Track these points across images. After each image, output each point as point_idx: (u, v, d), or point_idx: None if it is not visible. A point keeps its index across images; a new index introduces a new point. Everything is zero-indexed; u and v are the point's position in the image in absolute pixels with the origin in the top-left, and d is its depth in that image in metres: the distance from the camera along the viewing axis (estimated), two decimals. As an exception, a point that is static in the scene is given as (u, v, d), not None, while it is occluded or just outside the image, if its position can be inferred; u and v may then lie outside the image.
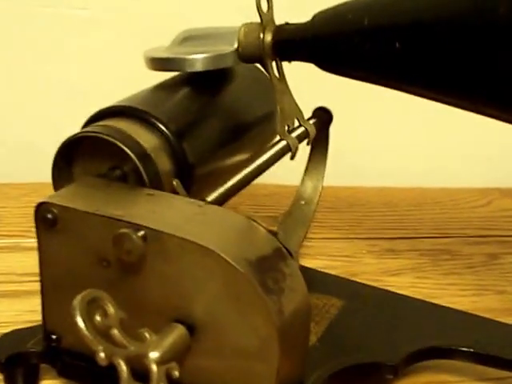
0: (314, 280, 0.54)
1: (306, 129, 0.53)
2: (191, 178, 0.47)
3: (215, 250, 0.37)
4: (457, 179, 0.78)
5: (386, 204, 0.73)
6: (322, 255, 0.64)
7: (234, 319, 0.39)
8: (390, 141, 0.79)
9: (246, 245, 0.40)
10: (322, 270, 0.56)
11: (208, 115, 0.51)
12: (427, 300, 0.53)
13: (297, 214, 0.57)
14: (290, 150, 0.51)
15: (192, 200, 0.43)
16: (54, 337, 0.44)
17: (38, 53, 0.73)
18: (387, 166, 0.78)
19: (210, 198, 0.44)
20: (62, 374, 0.44)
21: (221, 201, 0.44)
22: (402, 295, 0.53)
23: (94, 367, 0.39)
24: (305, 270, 0.54)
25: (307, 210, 0.57)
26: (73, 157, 0.45)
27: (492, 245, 0.67)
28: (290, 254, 0.44)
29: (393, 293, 0.53)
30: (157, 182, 0.44)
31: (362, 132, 0.78)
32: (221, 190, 0.45)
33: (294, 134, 0.52)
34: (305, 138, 0.54)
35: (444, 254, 0.65)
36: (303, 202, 0.58)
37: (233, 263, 0.37)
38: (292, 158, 0.52)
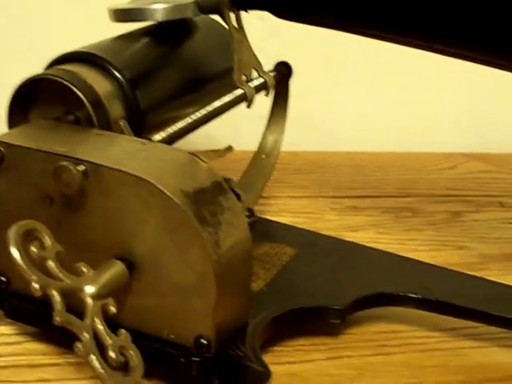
0: (270, 230, 0.54)
1: (265, 80, 0.53)
2: (142, 125, 0.47)
3: (151, 181, 0.38)
4: (424, 145, 0.78)
5: (353, 166, 0.74)
6: (285, 212, 0.64)
7: (171, 254, 0.39)
8: (359, 107, 0.79)
9: (185, 177, 0.40)
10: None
11: (165, 65, 0.51)
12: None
13: (257, 167, 0.58)
14: (246, 99, 0.51)
15: (137, 139, 0.43)
16: (2, 279, 0.44)
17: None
18: (357, 132, 0.78)
19: (156, 137, 0.44)
20: (8, 315, 0.44)
21: (167, 141, 0.44)
22: (355, 244, 0.53)
23: (42, 310, 0.40)
24: (261, 221, 0.54)
25: (267, 163, 0.58)
26: (28, 101, 0.45)
27: (456, 204, 0.68)
28: (238, 196, 0.44)
29: (346, 241, 0.53)
30: (108, 128, 0.45)
31: (332, 97, 0.78)
32: (168, 130, 0.45)
33: (252, 84, 0.52)
34: (263, 89, 0.54)
35: (406, 212, 0.65)
36: (264, 156, 0.58)
37: (168, 193, 0.37)
38: (248, 106, 0.52)
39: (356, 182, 0.70)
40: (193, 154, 0.42)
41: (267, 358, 0.44)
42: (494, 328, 0.48)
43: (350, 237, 0.60)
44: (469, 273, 0.51)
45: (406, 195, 0.68)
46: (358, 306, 0.47)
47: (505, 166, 0.76)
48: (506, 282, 0.52)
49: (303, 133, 0.77)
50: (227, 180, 0.45)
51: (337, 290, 0.47)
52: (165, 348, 0.41)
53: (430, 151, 0.79)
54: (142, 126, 0.47)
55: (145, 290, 0.40)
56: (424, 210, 0.66)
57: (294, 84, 0.70)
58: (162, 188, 0.38)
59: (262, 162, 0.57)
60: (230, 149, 0.43)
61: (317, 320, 0.47)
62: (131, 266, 0.40)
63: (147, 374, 0.39)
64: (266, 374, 0.40)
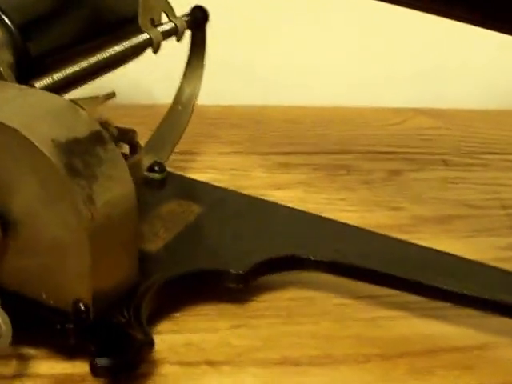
0: (181, 187, 0.50)
1: (175, 24, 0.49)
2: (32, 72, 0.43)
3: (17, 128, 0.34)
4: (371, 100, 0.74)
5: (290, 121, 0.69)
6: (210, 169, 0.60)
7: (45, 211, 0.36)
8: (302, 58, 0.74)
9: (60, 126, 0.36)
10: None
11: (65, 8, 0.47)
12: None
13: (172, 120, 0.53)
14: (151, 44, 0.47)
15: (16, 85, 0.39)
16: None
17: None
18: (299, 86, 0.74)
19: (39, 84, 0.40)
20: None
21: (54, 88, 0.40)
22: (272, 203, 0.49)
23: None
24: (172, 177, 0.50)
25: (183, 115, 0.53)
26: None
27: (397, 162, 0.64)
28: (134, 148, 0.40)
29: (263, 201, 0.49)
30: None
31: (273, 48, 0.73)
32: (54, 76, 0.41)
33: (161, 29, 0.48)
34: (174, 35, 0.49)
35: (341, 170, 0.61)
36: (180, 107, 0.53)
37: (34, 142, 0.34)
38: (155, 52, 0.47)
39: (292, 138, 0.66)
40: (73, 100, 0.38)
41: (166, 326, 0.42)
42: (415, 297, 0.44)
43: (275, 195, 0.56)
44: (391, 235, 0.47)
45: (344, 152, 0.64)
46: (262, 270, 0.43)
47: (454, 122, 0.72)
48: (434, 246, 0.48)
49: (242, 85, 0.72)
50: (131, 131, 0.41)
51: (240, 253, 0.43)
52: (43, 313, 0.38)
53: (377, 106, 0.74)
54: (31, 74, 0.42)
55: (22, 249, 0.37)
56: (360, 168, 0.62)
57: (232, 31, 0.65)
58: (28, 136, 0.34)
59: (178, 113, 0.53)
60: (111, 95, 0.39)
61: (217, 284, 0.43)
62: (6, 224, 0.37)
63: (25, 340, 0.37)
64: (148, 344, 0.37)
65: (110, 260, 0.37)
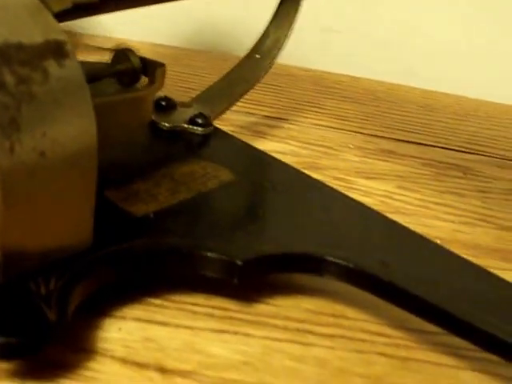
0: (222, 148, 0.40)
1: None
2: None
3: None
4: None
5: (422, 105, 0.58)
6: (294, 140, 0.50)
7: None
8: (455, 42, 0.61)
9: (4, 24, 0.28)
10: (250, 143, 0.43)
11: None
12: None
13: (244, 70, 0.43)
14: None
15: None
16: None
17: None
18: (444, 70, 0.61)
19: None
20: None
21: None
22: (326, 187, 0.38)
23: None
24: (217, 134, 0.40)
25: (258, 65, 0.43)
26: None
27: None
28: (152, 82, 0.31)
29: (317, 182, 0.38)
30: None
31: (424, 27, 0.61)
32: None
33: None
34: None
35: (456, 170, 0.49)
36: (258, 56, 0.43)
37: None
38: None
39: (413, 125, 0.55)
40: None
41: (134, 312, 0.34)
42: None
43: (360, 184, 0.46)
44: (476, 262, 0.35)
45: (469, 151, 0.51)
46: (269, 266, 0.32)
47: None
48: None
49: (378, 59, 0.60)
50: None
51: (246, 239, 0.32)
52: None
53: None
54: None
55: None
56: (482, 173, 0.50)
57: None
58: None
59: (253, 64, 0.42)
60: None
61: (204, 273, 0.32)
62: None
63: None
64: (55, 326, 0.28)
65: (37, 213, 0.27)
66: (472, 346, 0.33)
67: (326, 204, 0.37)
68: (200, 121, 0.40)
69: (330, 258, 0.32)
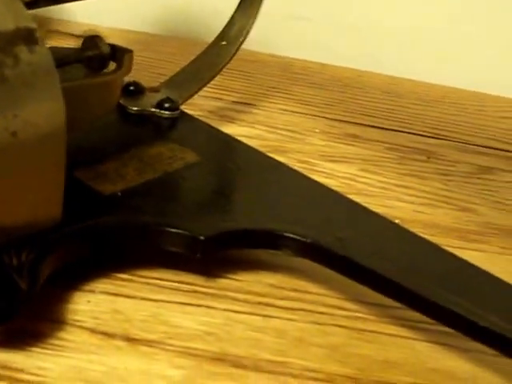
0: (188, 131, 0.41)
1: None
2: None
3: None
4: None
5: (389, 92, 0.59)
6: (261, 125, 0.51)
7: None
8: (431, 30, 0.63)
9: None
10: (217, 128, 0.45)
11: None
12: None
13: (211, 55, 0.45)
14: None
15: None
16: None
17: None
18: (416, 58, 0.63)
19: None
20: None
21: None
22: (288, 168, 0.40)
23: None
24: (185, 118, 0.41)
25: (225, 51, 0.44)
26: None
27: (494, 158, 0.54)
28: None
29: (277, 162, 0.40)
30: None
31: (399, 11, 0.63)
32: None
33: None
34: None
35: (420, 154, 0.51)
36: (224, 43, 0.44)
37: None
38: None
39: (379, 110, 0.56)
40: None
41: (103, 285, 0.35)
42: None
43: (324, 167, 0.47)
44: (428, 239, 0.37)
45: (433, 136, 0.53)
46: (231, 242, 0.34)
47: None
48: (496, 263, 0.41)
49: (346, 45, 0.62)
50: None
51: (209, 216, 0.34)
52: None
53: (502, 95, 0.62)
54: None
55: None
56: (445, 157, 0.51)
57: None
58: None
59: (219, 50, 0.44)
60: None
61: (168, 248, 0.34)
62: None
63: None
64: (26, 294, 0.29)
65: (9, 190, 0.29)
66: (426, 319, 0.34)
67: (287, 184, 0.38)
68: (167, 105, 0.42)
69: (289, 234, 0.34)
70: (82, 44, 0.36)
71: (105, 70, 0.36)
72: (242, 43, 0.45)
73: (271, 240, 0.34)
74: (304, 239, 0.34)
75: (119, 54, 0.37)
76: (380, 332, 0.35)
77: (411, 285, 0.33)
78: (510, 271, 0.40)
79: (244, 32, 0.45)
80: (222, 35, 0.45)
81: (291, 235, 0.34)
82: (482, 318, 0.32)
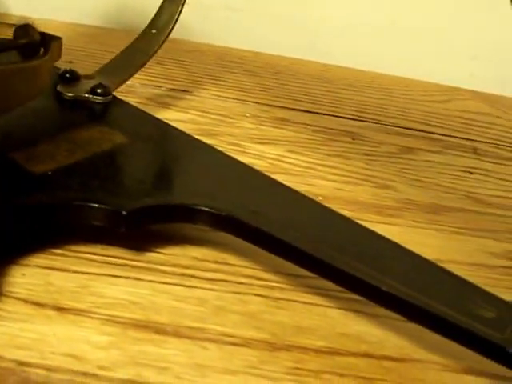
0: (119, 115, 0.44)
1: None
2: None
3: None
4: (426, 74, 0.65)
5: (318, 78, 0.63)
6: (195, 110, 0.54)
7: None
8: (354, 17, 0.66)
9: None
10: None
11: None
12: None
13: (141, 44, 0.47)
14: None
15: None
16: None
17: None
18: (344, 45, 0.66)
19: None
20: None
21: None
22: (211, 148, 0.43)
23: None
24: (117, 104, 0.44)
25: (154, 40, 0.47)
26: None
27: (416, 139, 0.57)
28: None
29: (201, 143, 0.42)
30: None
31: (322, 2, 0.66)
32: None
33: None
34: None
35: (346, 136, 0.54)
36: (154, 31, 0.47)
37: None
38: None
39: (308, 96, 0.59)
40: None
41: (37, 260, 0.38)
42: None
43: (253, 149, 0.50)
44: (340, 212, 0.40)
45: (359, 119, 0.56)
46: (153, 216, 0.37)
47: (508, 112, 0.62)
48: (410, 236, 0.44)
49: (279, 34, 0.65)
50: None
51: (133, 193, 0.37)
52: None
53: (427, 81, 0.65)
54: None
55: None
56: (370, 139, 0.54)
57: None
58: None
59: (149, 38, 0.46)
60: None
61: (94, 223, 0.36)
62: None
63: None
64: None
65: None
66: (338, 288, 0.37)
67: (209, 164, 0.41)
68: (100, 91, 0.44)
69: (205, 208, 0.37)
70: (14, 32, 0.39)
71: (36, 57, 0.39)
72: (171, 31, 0.47)
73: (189, 214, 0.37)
74: (219, 212, 0.37)
75: (48, 42, 0.39)
76: (294, 300, 0.38)
77: (320, 254, 0.36)
78: (422, 242, 0.43)
79: (172, 21, 0.47)
80: (152, 24, 0.48)
81: (207, 209, 0.37)
82: (385, 283, 0.35)
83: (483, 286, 0.37)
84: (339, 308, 0.38)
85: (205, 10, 0.57)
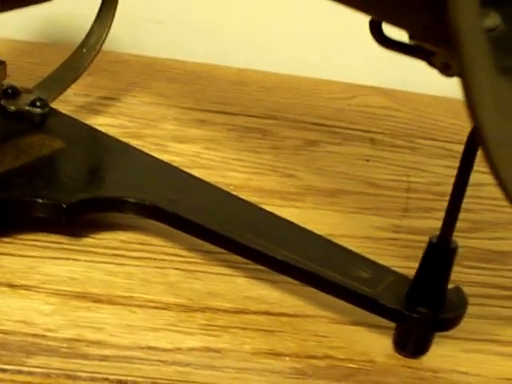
0: (56, 123, 0.52)
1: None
2: None
3: None
4: (335, 74, 0.74)
5: (235, 82, 0.70)
6: (123, 115, 0.62)
7: None
8: (271, 22, 0.74)
9: None
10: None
11: None
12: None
13: (74, 61, 0.55)
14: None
15: None
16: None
17: None
18: (262, 49, 0.74)
19: None
20: None
21: None
22: (134, 149, 0.51)
23: None
24: (55, 114, 0.52)
25: (85, 57, 0.55)
26: None
27: (319, 133, 0.65)
28: None
29: (127, 145, 0.51)
30: None
31: (238, 8, 0.74)
32: None
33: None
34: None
35: (256, 133, 0.62)
36: (85, 50, 0.55)
37: None
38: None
39: (226, 99, 0.67)
40: None
41: None
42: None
43: (172, 147, 0.58)
44: (242, 197, 0.48)
45: (269, 117, 0.64)
46: (88, 207, 0.45)
47: (408, 105, 0.71)
48: (310, 217, 0.52)
49: (199, 42, 0.73)
50: None
51: (72, 188, 0.45)
52: None
53: (335, 80, 0.74)
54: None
55: None
56: (278, 135, 0.63)
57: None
58: None
59: (81, 56, 0.54)
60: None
61: (39, 215, 0.44)
62: None
63: None
64: None
65: None
66: (246, 261, 0.46)
67: (134, 162, 0.50)
68: (38, 103, 0.52)
69: (131, 199, 0.45)
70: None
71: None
72: (99, 50, 0.55)
73: (118, 204, 0.45)
74: (143, 202, 0.45)
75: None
76: (208, 272, 0.47)
77: (229, 233, 0.44)
78: (319, 221, 0.52)
79: (100, 41, 0.55)
80: (83, 44, 0.56)
81: (133, 200, 0.45)
82: (280, 254, 0.44)
83: (371, 256, 0.46)
84: (245, 276, 0.47)
85: (131, 23, 0.65)
